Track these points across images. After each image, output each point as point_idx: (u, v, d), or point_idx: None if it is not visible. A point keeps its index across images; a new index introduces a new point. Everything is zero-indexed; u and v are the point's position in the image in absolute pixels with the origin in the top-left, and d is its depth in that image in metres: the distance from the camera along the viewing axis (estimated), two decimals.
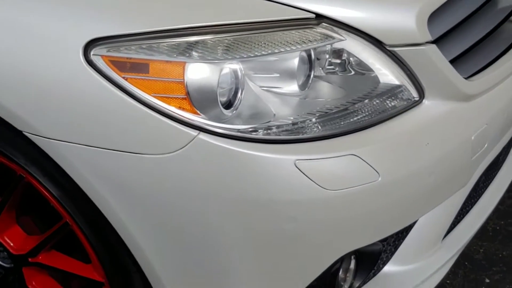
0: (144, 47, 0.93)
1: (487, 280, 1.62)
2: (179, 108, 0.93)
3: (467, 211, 1.39)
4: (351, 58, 1.10)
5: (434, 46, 1.10)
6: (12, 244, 1.20)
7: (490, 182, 1.49)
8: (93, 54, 0.92)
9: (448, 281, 1.62)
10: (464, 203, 1.31)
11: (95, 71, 0.92)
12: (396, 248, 1.20)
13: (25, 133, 0.98)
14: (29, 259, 1.18)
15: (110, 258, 1.07)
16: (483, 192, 1.45)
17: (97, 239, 1.06)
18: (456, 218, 1.31)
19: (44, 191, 1.05)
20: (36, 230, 1.22)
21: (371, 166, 1.00)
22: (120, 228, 1.01)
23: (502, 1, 1.41)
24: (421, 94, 1.12)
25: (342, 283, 1.12)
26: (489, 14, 1.35)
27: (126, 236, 1.01)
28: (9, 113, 0.97)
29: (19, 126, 0.99)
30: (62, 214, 1.06)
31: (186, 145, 0.93)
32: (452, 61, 1.15)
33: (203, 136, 0.93)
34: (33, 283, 1.23)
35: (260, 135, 0.97)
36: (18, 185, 1.08)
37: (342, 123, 1.03)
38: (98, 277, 1.11)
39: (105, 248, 1.06)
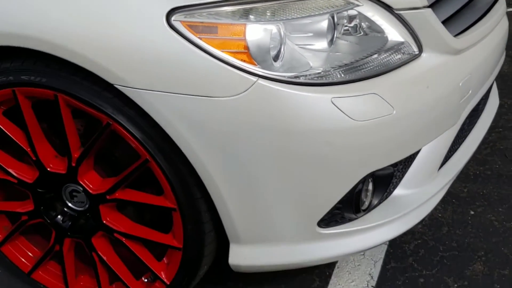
0: (212, 13, 1.20)
1: (472, 212, 1.93)
2: (242, 60, 1.20)
3: (456, 149, 1.69)
4: (362, 23, 1.38)
5: (430, 9, 1.39)
6: (91, 186, 1.45)
7: (473, 127, 1.80)
8: (173, 20, 1.18)
9: (440, 215, 1.93)
10: (453, 141, 1.61)
11: (176, 33, 1.18)
12: (403, 174, 1.49)
13: (116, 85, 1.24)
14: (107, 197, 1.43)
15: (182, 187, 1.33)
16: (467, 135, 1.75)
17: (172, 172, 1.32)
18: (448, 153, 1.61)
19: (128, 135, 1.30)
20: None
21: (388, 102, 1.28)
22: (194, 160, 1.27)
23: None
24: (420, 49, 1.41)
25: (364, 200, 1.40)
26: None
27: (199, 167, 1.27)
28: (104, 69, 1.22)
29: (111, 80, 1.24)
30: (142, 153, 1.32)
31: (249, 88, 1.20)
32: (443, 22, 1.44)
33: (261, 81, 1.20)
34: (108, 218, 1.48)
35: (301, 80, 1.24)
36: (104, 132, 1.33)
37: (362, 71, 1.31)
38: (170, 204, 1.37)
39: (179, 179, 1.32)
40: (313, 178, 1.29)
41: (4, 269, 1.71)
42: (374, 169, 1.34)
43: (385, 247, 1.80)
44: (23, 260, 1.68)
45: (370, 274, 1.71)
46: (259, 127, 1.22)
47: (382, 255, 1.77)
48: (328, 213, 1.36)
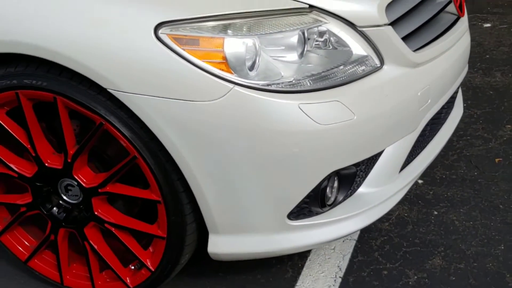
0: (195, 27, 1.36)
1: (435, 212, 2.09)
2: (220, 69, 1.36)
3: (418, 153, 1.85)
4: (331, 38, 1.55)
5: (390, 27, 1.56)
6: (84, 180, 1.60)
7: (435, 134, 1.96)
8: (160, 33, 1.35)
9: (406, 214, 2.09)
10: (414, 146, 1.77)
11: (162, 44, 1.35)
12: (366, 174, 1.65)
13: (109, 89, 1.40)
14: (99, 190, 1.59)
15: (166, 182, 1.49)
16: (429, 141, 1.92)
17: (157, 168, 1.47)
18: (409, 157, 1.77)
19: (118, 134, 1.46)
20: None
21: (349, 109, 1.45)
22: (177, 158, 1.43)
23: None
24: (382, 62, 1.58)
25: (329, 196, 1.57)
26: (430, 5, 1.82)
27: (182, 164, 1.44)
28: (98, 74, 1.39)
29: (104, 85, 1.40)
30: (131, 150, 1.48)
31: (226, 94, 1.36)
32: (404, 38, 1.61)
33: (237, 88, 1.37)
34: (99, 210, 1.64)
35: (273, 87, 1.41)
36: (97, 131, 1.49)
37: (328, 80, 1.48)
38: (155, 197, 1.52)
39: (163, 174, 1.48)
40: (282, 175, 1.45)
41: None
42: (337, 168, 1.50)
43: (353, 242, 1.96)
44: (20, 249, 1.84)
45: (338, 266, 1.87)
46: (234, 129, 1.38)
47: (351, 250, 1.93)
48: (297, 206, 1.52)
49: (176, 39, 1.35)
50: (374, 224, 2.01)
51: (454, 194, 2.18)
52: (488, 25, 3.86)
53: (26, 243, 1.84)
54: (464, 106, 2.73)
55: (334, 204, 1.60)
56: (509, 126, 2.60)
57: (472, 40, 3.64)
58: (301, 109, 1.40)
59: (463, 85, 2.94)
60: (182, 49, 1.35)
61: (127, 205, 1.67)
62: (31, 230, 1.85)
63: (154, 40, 1.35)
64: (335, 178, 1.58)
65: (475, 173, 2.29)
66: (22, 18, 1.42)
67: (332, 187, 1.58)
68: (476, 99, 2.86)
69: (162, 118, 1.39)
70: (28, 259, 1.82)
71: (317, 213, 1.57)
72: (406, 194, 2.06)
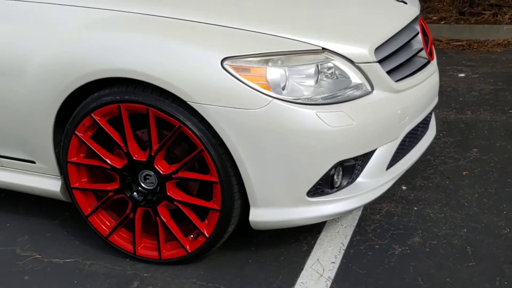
0: (247, 61, 2.03)
1: (415, 208, 2.71)
2: (263, 88, 2.03)
3: (400, 158, 2.49)
4: (336, 71, 2.22)
5: (378, 64, 2.24)
6: (162, 169, 2.24)
7: (413, 146, 2.61)
8: (225, 64, 2.02)
9: (393, 209, 2.71)
10: (396, 151, 2.41)
11: (226, 71, 2.02)
12: (362, 168, 2.29)
13: (188, 102, 2.05)
14: (173, 176, 2.22)
15: (222, 168, 2.12)
16: (409, 150, 2.56)
17: (217, 157, 2.11)
18: (392, 159, 2.41)
19: (191, 134, 2.10)
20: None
21: (350, 117, 2.11)
22: (232, 149, 2.08)
23: (415, 44, 2.58)
24: (372, 88, 2.25)
25: (336, 181, 2.20)
26: (408, 50, 2.51)
27: (235, 153, 2.08)
28: (180, 91, 2.05)
29: (184, 98, 2.06)
30: (199, 145, 2.12)
31: (267, 104, 2.03)
32: (388, 72, 2.29)
33: (274, 101, 2.03)
34: (171, 192, 2.26)
35: (298, 101, 2.07)
36: (176, 132, 2.13)
37: (334, 98, 2.14)
38: (214, 179, 2.15)
39: (220, 162, 2.12)
40: (303, 162, 2.10)
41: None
42: (341, 159, 2.15)
43: (353, 228, 2.57)
44: (103, 227, 2.44)
45: (342, 243, 2.48)
46: (271, 128, 2.04)
47: (351, 232, 2.54)
48: (313, 187, 2.16)
49: (235, 68, 2.03)
50: (368, 215, 2.65)
51: (430, 196, 2.81)
52: (462, 75, 4.59)
53: (107, 222, 2.45)
54: (440, 136, 3.42)
55: (340, 187, 2.24)
56: (475, 149, 3.26)
57: (448, 86, 4.41)
58: (317, 115, 2.06)
59: (441, 120, 3.63)
60: (239, 75, 2.03)
61: (188, 189, 2.30)
62: (110, 213, 2.47)
63: (220, 69, 2.03)
64: (340, 169, 2.22)
65: (447, 182, 2.93)
66: (130, 53, 2.10)
67: (338, 175, 2.22)
68: (450, 131, 3.53)
69: (224, 121, 2.04)
70: (109, 235, 2.43)
71: (328, 193, 2.21)
72: (392, 196, 2.70)
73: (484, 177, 2.96)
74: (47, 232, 2.71)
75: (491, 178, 2.94)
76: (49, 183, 2.52)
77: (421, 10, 2.90)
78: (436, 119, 3.46)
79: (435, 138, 3.01)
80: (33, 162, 2.51)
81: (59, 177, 2.48)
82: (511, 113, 3.74)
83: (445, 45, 5.45)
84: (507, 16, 5.60)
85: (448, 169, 3.06)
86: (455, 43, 5.45)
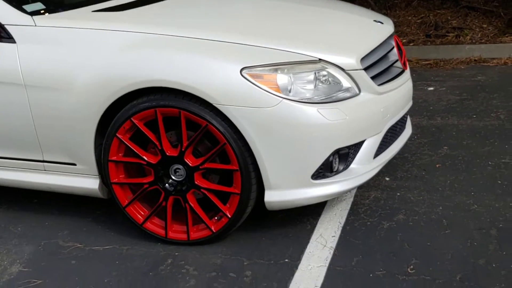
0: (261, 69, 2.53)
1: (398, 194, 3.21)
2: (275, 90, 2.53)
3: (385, 149, 3.00)
4: (329, 78, 2.73)
5: (363, 71, 2.77)
6: (190, 162, 2.70)
7: (393, 141, 3.12)
8: (243, 72, 2.52)
9: (379, 195, 3.20)
10: (380, 143, 2.91)
11: (244, 78, 2.52)
12: (354, 156, 2.79)
13: (214, 104, 2.53)
14: (200, 167, 2.68)
15: (242, 158, 2.60)
16: (391, 143, 3.07)
17: (237, 149, 2.59)
18: (378, 150, 2.91)
19: (216, 130, 2.58)
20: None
21: (344, 113, 2.61)
22: (250, 141, 2.56)
23: (392, 56, 3.11)
24: (359, 91, 2.76)
25: (334, 166, 2.69)
26: (386, 61, 3.04)
27: (252, 145, 2.56)
28: (208, 95, 2.54)
29: (211, 101, 2.54)
30: (222, 140, 2.59)
31: (278, 103, 2.53)
32: (372, 77, 2.81)
33: (284, 101, 2.54)
34: (198, 181, 2.72)
35: (302, 101, 2.57)
36: (203, 130, 2.59)
37: (330, 99, 2.64)
38: (235, 167, 2.62)
39: (240, 153, 2.60)
40: (308, 150, 2.59)
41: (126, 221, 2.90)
42: (338, 147, 2.65)
43: (347, 211, 3.06)
44: (138, 216, 2.88)
45: (339, 222, 2.96)
46: (282, 122, 2.53)
47: (346, 214, 3.03)
48: (316, 171, 2.65)
49: (251, 75, 2.54)
50: (359, 200, 3.14)
51: (410, 184, 3.32)
52: (431, 88, 5.17)
53: (141, 212, 2.89)
54: (415, 138, 3.95)
55: (337, 171, 2.73)
56: (446, 147, 3.79)
57: (419, 98, 4.98)
58: (319, 111, 2.57)
59: (415, 125, 4.17)
60: (255, 80, 2.53)
61: (210, 177, 2.77)
62: (144, 204, 2.90)
63: (240, 76, 2.53)
64: (337, 156, 2.71)
65: (423, 173, 3.44)
66: (164, 67, 2.58)
67: (335, 161, 2.71)
68: (423, 133, 4.06)
69: (243, 118, 2.53)
70: (144, 222, 2.86)
71: (328, 176, 2.70)
72: (378, 185, 3.20)
73: (454, 168, 3.49)
74: (84, 227, 3.13)
75: (460, 169, 3.47)
76: (88, 182, 2.96)
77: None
78: (411, 124, 4.01)
79: (410, 139, 3.54)
80: (74, 165, 2.95)
81: (97, 176, 2.92)
82: (475, 117, 4.31)
83: (415, 64, 6.05)
84: (468, 37, 6.25)
85: (424, 163, 3.58)
86: (423, 62, 6.07)
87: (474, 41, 6.21)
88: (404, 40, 6.50)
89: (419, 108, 4.61)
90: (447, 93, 4.98)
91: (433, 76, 5.59)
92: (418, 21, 6.82)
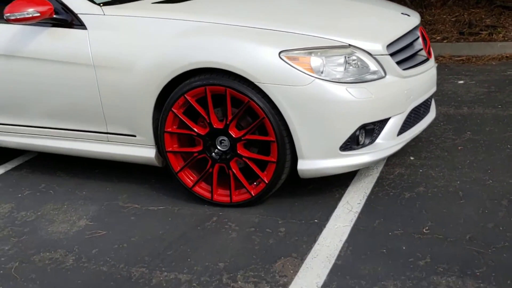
0: (296, 53, 2.91)
1: (421, 170, 3.53)
2: (309, 71, 2.91)
3: (406, 129, 3.33)
4: (358, 62, 3.09)
5: (389, 56, 3.11)
6: (233, 134, 3.10)
7: (416, 122, 3.44)
8: (281, 55, 2.91)
9: (403, 172, 3.52)
10: (404, 123, 3.25)
11: (282, 60, 2.92)
12: (379, 132, 3.14)
13: (255, 83, 2.93)
14: (242, 138, 3.08)
15: (278, 130, 2.99)
16: (414, 124, 3.40)
17: (274, 122, 2.99)
18: (401, 128, 3.25)
19: (256, 106, 2.97)
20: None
21: (370, 92, 2.97)
22: (286, 116, 2.96)
23: (417, 45, 3.44)
24: (385, 73, 3.11)
25: (361, 139, 3.04)
26: (411, 48, 3.37)
27: (288, 119, 2.95)
28: (250, 75, 2.94)
29: (253, 80, 2.94)
30: (261, 114, 2.99)
31: (311, 82, 2.91)
32: (397, 62, 3.15)
33: (316, 80, 2.91)
34: (239, 151, 3.12)
35: (333, 81, 2.94)
36: (245, 106, 2.99)
37: (358, 80, 3.00)
38: (272, 139, 3.01)
39: (277, 126, 2.99)
40: (337, 124, 2.96)
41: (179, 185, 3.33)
42: (364, 123, 3.00)
43: (373, 184, 3.40)
44: (188, 180, 3.30)
45: (365, 192, 3.31)
46: (315, 99, 2.91)
47: (371, 186, 3.37)
48: (344, 143, 3.01)
49: (288, 58, 2.93)
50: (384, 175, 3.49)
51: (432, 163, 3.64)
52: (461, 81, 5.44)
53: (191, 177, 3.31)
54: (441, 124, 4.26)
55: (363, 145, 3.09)
56: (469, 132, 4.09)
57: (449, 90, 5.28)
58: (347, 90, 2.93)
59: (442, 114, 4.47)
60: (292, 62, 2.91)
61: (251, 148, 3.16)
62: (193, 171, 3.32)
63: (278, 58, 2.92)
64: (363, 131, 3.06)
65: (445, 154, 3.75)
66: (214, 50, 2.99)
67: (361, 136, 3.06)
68: (449, 120, 4.36)
69: (280, 95, 2.92)
70: (193, 186, 3.28)
71: (354, 149, 3.06)
72: (403, 163, 3.53)
73: (475, 150, 3.79)
74: (140, 192, 3.58)
75: (480, 151, 3.77)
76: (146, 152, 3.40)
77: (427, 32, 3.80)
78: (438, 113, 4.33)
79: (436, 125, 3.85)
80: (134, 136, 3.39)
81: (154, 146, 3.36)
82: (500, 107, 4.58)
83: (448, 60, 6.32)
84: (501, 35, 6.48)
85: (447, 146, 3.89)
86: (456, 58, 6.33)
87: (506, 38, 6.43)
88: (438, 38, 6.77)
89: (448, 99, 4.90)
90: (476, 86, 5.25)
91: (464, 71, 5.85)
92: (453, 19, 7.08)
